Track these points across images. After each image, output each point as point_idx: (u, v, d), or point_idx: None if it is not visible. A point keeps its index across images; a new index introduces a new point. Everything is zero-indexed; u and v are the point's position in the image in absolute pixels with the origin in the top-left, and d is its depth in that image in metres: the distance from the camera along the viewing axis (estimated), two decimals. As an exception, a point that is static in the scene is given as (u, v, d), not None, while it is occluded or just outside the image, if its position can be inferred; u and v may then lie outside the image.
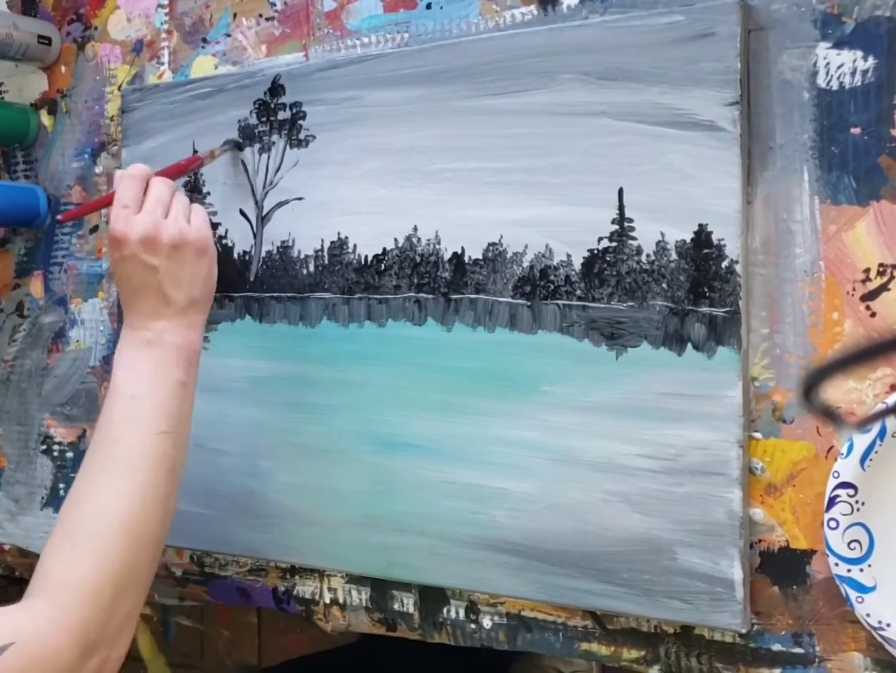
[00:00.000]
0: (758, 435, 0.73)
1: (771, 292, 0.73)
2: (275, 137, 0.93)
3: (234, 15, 0.99)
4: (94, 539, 0.74)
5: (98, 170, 1.07)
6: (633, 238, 0.76)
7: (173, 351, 0.82)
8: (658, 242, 0.75)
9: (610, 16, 0.78)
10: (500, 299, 0.82)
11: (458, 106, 0.83)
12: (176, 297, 0.82)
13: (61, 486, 1.10)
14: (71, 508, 0.77)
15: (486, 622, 0.85)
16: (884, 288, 0.69)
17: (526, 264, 0.80)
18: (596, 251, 0.77)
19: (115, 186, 0.84)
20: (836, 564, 0.69)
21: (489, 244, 0.82)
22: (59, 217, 0.93)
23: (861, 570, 0.68)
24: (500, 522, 0.81)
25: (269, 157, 0.93)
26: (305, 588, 0.95)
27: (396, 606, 0.90)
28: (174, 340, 0.82)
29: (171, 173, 0.91)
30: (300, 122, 0.91)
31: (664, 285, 0.75)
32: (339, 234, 0.89)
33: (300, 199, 0.91)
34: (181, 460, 0.81)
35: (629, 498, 0.76)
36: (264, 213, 0.94)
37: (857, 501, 0.68)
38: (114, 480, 0.77)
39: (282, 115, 0.92)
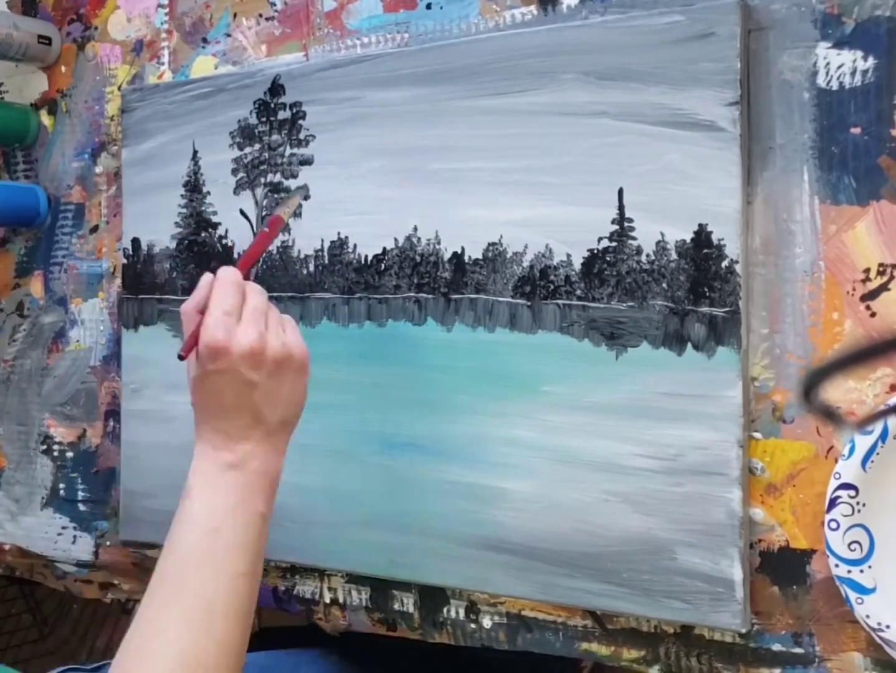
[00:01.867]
0: (758, 435, 0.73)
1: (771, 292, 0.73)
2: (275, 137, 0.93)
3: (234, 15, 0.99)
4: None
5: (98, 170, 1.07)
6: (633, 238, 0.76)
7: (258, 479, 0.73)
8: (658, 242, 0.75)
9: (610, 16, 0.78)
10: (500, 299, 0.82)
11: (458, 106, 0.83)
12: (269, 417, 0.74)
13: (61, 486, 1.10)
14: (135, 655, 0.68)
15: (486, 622, 0.85)
16: (884, 288, 0.69)
17: (526, 264, 0.80)
18: (596, 251, 0.77)
19: (203, 287, 0.75)
20: (837, 565, 0.69)
21: (489, 244, 0.82)
22: (181, 354, 0.76)
23: (861, 571, 0.68)
24: (500, 522, 0.81)
25: (268, 159, 0.93)
26: (306, 588, 0.95)
27: (396, 606, 0.90)
28: (260, 467, 0.73)
29: (264, 246, 0.84)
30: (300, 121, 0.91)
31: (664, 285, 0.75)
32: (339, 234, 0.89)
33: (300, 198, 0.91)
34: (254, 601, 0.73)
35: (629, 498, 0.76)
36: (264, 213, 0.94)
37: (858, 503, 0.68)
38: (187, 626, 0.68)
39: (282, 114, 0.92)
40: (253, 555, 0.72)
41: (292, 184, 0.92)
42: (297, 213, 0.91)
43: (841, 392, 0.70)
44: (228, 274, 0.75)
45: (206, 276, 0.76)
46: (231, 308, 0.72)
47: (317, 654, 1.00)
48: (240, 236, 0.95)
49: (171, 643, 0.67)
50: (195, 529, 0.71)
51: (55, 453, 1.10)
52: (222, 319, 0.72)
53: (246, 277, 0.78)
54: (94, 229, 1.08)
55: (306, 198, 0.91)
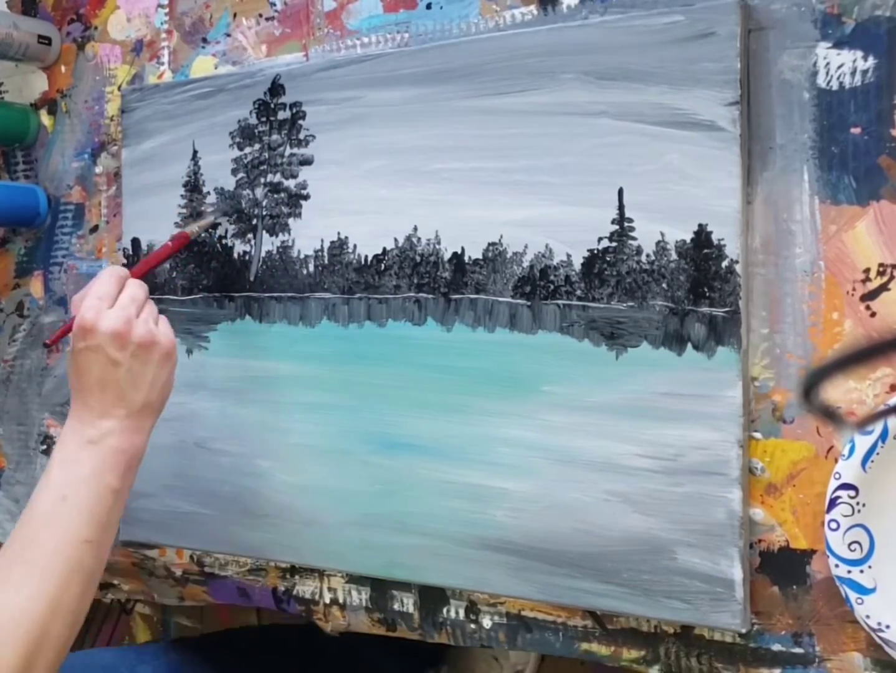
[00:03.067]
0: (758, 435, 0.73)
1: (771, 292, 0.73)
2: (275, 137, 0.93)
3: (234, 15, 0.99)
4: None
5: (98, 170, 1.07)
6: (633, 238, 0.76)
7: (114, 455, 0.79)
8: (658, 242, 0.75)
9: (610, 16, 0.78)
10: (500, 299, 0.82)
11: (458, 106, 0.83)
12: (132, 397, 0.80)
13: (61, 486, 1.10)
14: None
15: (486, 622, 0.85)
16: (884, 288, 0.69)
17: (526, 264, 0.80)
18: (596, 251, 0.77)
19: (93, 280, 0.83)
20: (837, 566, 0.69)
21: (489, 244, 0.82)
22: (45, 342, 0.89)
23: (861, 571, 0.68)
24: (500, 522, 0.81)
25: (268, 159, 0.93)
26: (305, 588, 0.95)
27: (396, 606, 0.90)
28: (118, 444, 0.80)
29: (162, 257, 0.92)
30: (300, 121, 0.91)
31: (664, 285, 0.75)
32: (339, 234, 0.89)
33: (301, 198, 0.91)
34: (99, 569, 0.79)
35: (629, 498, 0.76)
36: (264, 212, 0.94)
37: (858, 503, 0.68)
38: (24, 581, 0.75)
39: (282, 114, 0.92)
40: (99, 525, 0.78)
41: (292, 184, 0.92)
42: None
43: (841, 392, 0.70)
44: (112, 268, 0.84)
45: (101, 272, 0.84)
46: (104, 294, 0.80)
47: (160, 649, 1.03)
48: (240, 236, 0.95)
49: (8, 597, 0.74)
50: (48, 496, 0.78)
51: (55, 453, 1.10)
52: (94, 303, 0.80)
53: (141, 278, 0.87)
54: (94, 229, 1.08)
55: (226, 214, 0.95)
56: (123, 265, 1.01)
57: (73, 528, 0.77)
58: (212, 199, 0.97)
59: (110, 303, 0.80)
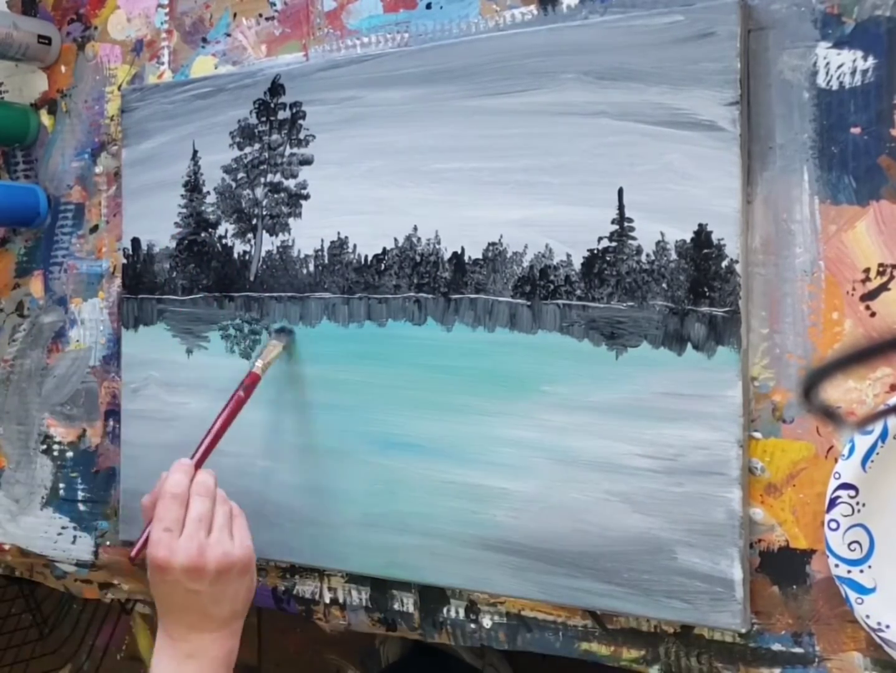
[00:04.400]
0: (758, 435, 0.73)
1: (771, 292, 0.73)
2: (275, 137, 0.93)
3: (234, 15, 0.99)
4: None
5: (98, 170, 1.07)
6: (633, 238, 0.76)
7: (215, 664, 0.80)
8: (658, 242, 0.75)
9: (610, 16, 0.78)
10: (500, 299, 0.82)
11: (458, 106, 0.83)
12: (218, 613, 0.80)
13: (61, 485, 1.10)
14: None
15: (486, 622, 0.85)
16: (884, 288, 0.69)
17: (526, 264, 0.80)
18: (596, 251, 0.77)
19: (160, 482, 0.82)
20: (837, 566, 0.69)
21: (489, 244, 0.82)
22: (131, 555, 0.83)
23: (861, 571, 0.68)
24: (500, 522, 0.81)
25: (268, 159, 0.93)
26: (305, 588, 0.95)
27: (396, 606, 0.90)
28: (216, 654, 0.80)
29: (237, 407, 0.88)
30: (300, 121, 0.91)
31: (664, 285, 0.75)
32: (339, 233, 0.89)
33: (301, 198, 0.91)
34: None
35: (629, 498, 0.76)
36: (264, 212, 0.94)
37: (857, 503, 0.68)
38: None
39: (282, 114, 0.92)
40: None
41: (292, 184, 0.92)
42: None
43: (841, 392, 0.70)
44: (171, 486, 0.80)
45: (164, 474, 0.82)
46: (170, 523, 0.78)
47: None
48: (240, 236, 0.95)
49: None
50: None
51: (55, 453, 1.10)
52: (163, 536, 0.78)
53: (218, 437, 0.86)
54: (94, 229, 1.08)
55: (289, 333, 0.92)
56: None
57: None
58: (212, 198, 0.97)
59: (179, 529, 0.79)
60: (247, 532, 0.82)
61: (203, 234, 0.97)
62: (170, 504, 0.79)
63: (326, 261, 0.90)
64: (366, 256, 0.88)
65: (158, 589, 0.80)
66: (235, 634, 0.82)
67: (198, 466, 0.84)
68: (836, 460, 0.69)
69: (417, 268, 0.85)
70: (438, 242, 0.84)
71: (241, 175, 0.95)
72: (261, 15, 0.97)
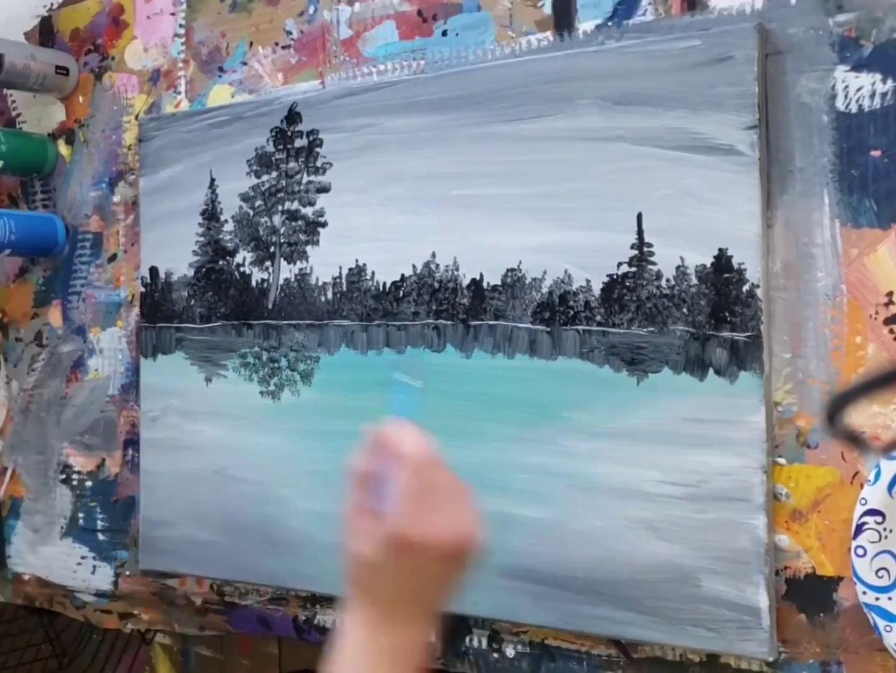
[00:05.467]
0: (782, 460, 0.73)
1: (792, 316, 0.72)
2: (292, 165, 0.93)
3: (251, 43, 0.99)
4: None
5: (116, 199, 1.08)
6: (653, 263, 0.76)
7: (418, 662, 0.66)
8: (678, 267, 0.75)
9: (626, 41, 0.78)
10: (520, 325, 0.81)
11: (475, 132, 0.83)
12: (440, 607, 0.67)
13: (80, 515, 1.10)
14: None
15: (510, 651, 0.84)
16: (907, 311, 0.69)
17: (545, 290, 0.80)
18: (615, 276, 0.77)
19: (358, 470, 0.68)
20: (864, 593, 0.68)
21: (508, 270, 0.82)
22: None
23: (889, 598, 0.67)
24: (521, 549, 0.81)
25: (286, 186, 0.93)
26: (326, 617, 0.94)
27: (418, 635, 0.89)
28: (420, 650, 0.66)
29: None
30: (317, 149, 0.91)
31: (685, 310, 0.75)
32: (357, 261, 0.89)
33: (318, 225, 0.91)
34: None
35: (652, 525, 0.76)
36: (282, 240, 0.94)
37: (884, 529, 0.67)
38: None
39: (299, 142, 0.93)
40: None
41: (310, 211, 0.92)
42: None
43: (866, 417, 0.70)
44: (416, 452, 0.66)
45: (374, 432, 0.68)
46: (420, 494, 0.64)
47: None
48: (258, 264, 0.95)
49: None
50: None
51: (74, 482, 1.10)
52: (414, 507, 0.64)
53: None
54: (112, 258, 1.08)
55: None
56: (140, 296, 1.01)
57: None
58: (230, 226, 0.97)
59: (429, 507, 0.64)
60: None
61: (221, 263, 0.97)
62: (417, 478, 0.64)
63: (345, 288, 0.90)
64: (384, 283, 0.88)
65: (387, 571, 0.64)
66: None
67: None
68: (861, 486, 0.69)
69: (436, 294, 0.85)
70: (457, 269, 0.84)
71: (258, 203, 0.95)
72: (277, 43, 0.98)
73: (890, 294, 0.69)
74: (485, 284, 0.83)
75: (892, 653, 0.67)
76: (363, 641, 0.66)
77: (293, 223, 0.93)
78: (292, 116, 0.93)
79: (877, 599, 0.68)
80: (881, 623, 0.67)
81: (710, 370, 0.74)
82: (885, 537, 0.68)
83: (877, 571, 0.68)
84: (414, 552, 0.63)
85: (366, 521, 0.66)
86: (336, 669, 0.66)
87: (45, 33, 1.15)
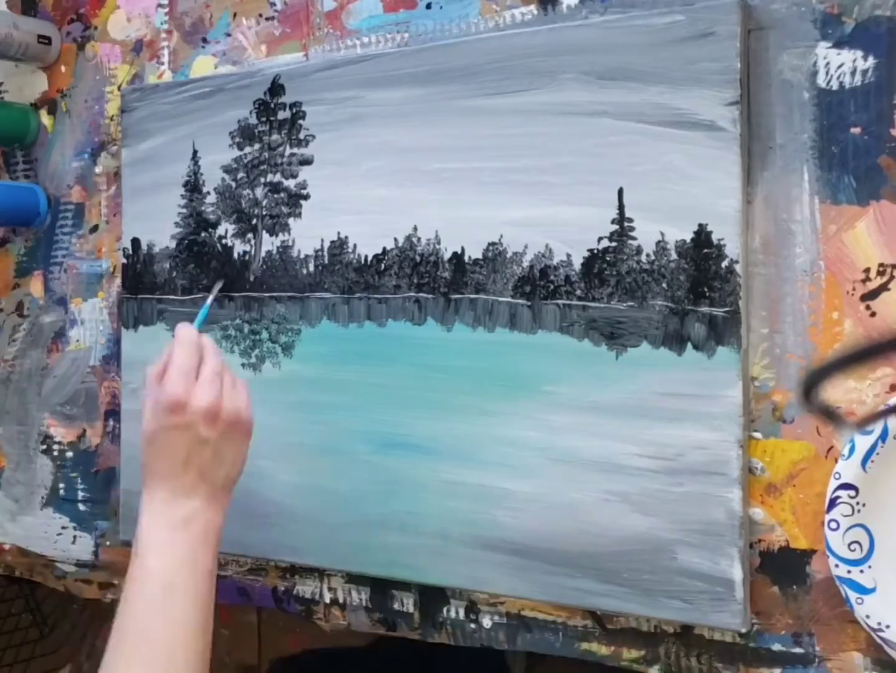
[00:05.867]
0: (758, 435, 0.73)
1: (771, 292, 0.73)
2: (275, 137, 0.93)
3: (234, 15, 0.99)
4: None
5: (98, 170, 1.07)
6: (633, 238, 0.76)
7: (204, 535, 0.76)
8: (658, 242, 0.75)
9: (610, 15, 0.78)
10: (500, 299, 0.82)
11: (458, 106, 0.83)
12: (214, 476, 0.78)
13: (61, 485, 1.10)
14: None
15: (486, 622, 0.85)
16: (884, 288, 0.69)
17: (526, 264, 0.80)
18: (596, 251, 0.77)
19: (167, 352, 0.79)
20: (837, 566, 0.69)
21: (489, 244, 0.82)
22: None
23: (861, 571, 0.68)
24: (500, 521, 0.81)
25: (268, 159, 0.93)
26: (305, 588, 0.95)
27: (396, 606, 0.90)
28: (205, 523, 0.77)
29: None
30: (300, 121, 0.91)
31: (664, 285, 0.75)
32: (339, 233, 0.89)
33: (301, 198, 0.91)
34: (209, 654, 0.75)
35: (629, 498, 0.76)
36: (264, 212, 0.94)
37: (857, 503, 0.68)
38: None
39: (282, 114, 0.92)
40: (206, 610, 0.75)
41: (292, 184, 0.92)
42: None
43: (841, 392, 0.70)
44: (185, 333, 0.79)
45: (167, 348, 0.80)
46: (188, 368, 0.77)
47: None
48: (240, 236, 0.95)
49: None
50: (150, 586, 0.74)
51: (55, 453, 1.10)
52: (180, 378, 0.76)
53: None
54: (94, 229, 1.08)
55: None
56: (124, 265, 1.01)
57: (184, 616, 0.73)
58: (212, 198, 0.96)
59: (195, 376, 0.77)
60: (250, 399, 0.81)
61: (203, 235, 0.97)
62: (187, 351, 0.78)
63: (326, 261, 0.90)
64: (366, 256, 0.88)
65: (164, 436, 0.77)
66: (223, 510, 0.79)
67: None
68: (836, 460, 0.69)
69: (417, 268, 0.85)
70: (438, 242, 0.84)
71: (241, 175, 0.95)
72: (261, 15, 0.97)
73: (867, 271, 0.70)
74: (466, 258, 0.83)
75: (863, 625, 0.68)
76: (155, 516, 0.76)
77: (275, 195, 0.93)
78: (275, 88, 0.93)
79: (849, 572, 0.68)
80: (853, 596, 0.68)
81: (689, 345, 0.74)
82: (858, 511, 0.68)
83: (849, 545, 0.68)
84: (178, 411, 0.75)
85: (151, 402, 0.78)
86: (138, 551, 0.76)
87: (28, 2, 1.14)
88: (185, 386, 0.76)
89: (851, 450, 0.68)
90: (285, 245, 0.92)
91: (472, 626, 0.86)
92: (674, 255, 0.74)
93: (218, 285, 0.95)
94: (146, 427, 0.78)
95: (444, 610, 0.87)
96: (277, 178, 0.93)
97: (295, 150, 0.92)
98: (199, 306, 0.93)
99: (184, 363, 0.77)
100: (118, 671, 0.72)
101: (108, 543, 1.07)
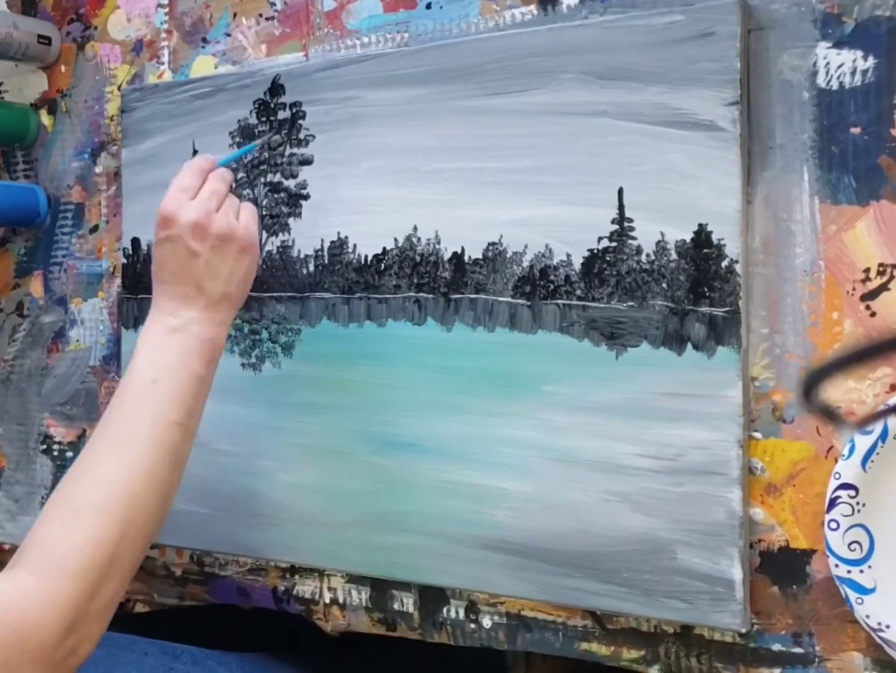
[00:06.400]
0: (758, 435, 0.73)
1: (771, 292, 0.73)
2: (275, 137, 0.93)
3: (234, 14, 0.99)
4: (93, 512, 0.73)
5: (98, 169, 1.07)
6: (633, 238, 0.76)
7: (197, 343, 0.81)
8: (658, 242, 0.75)
9: (610, 15, 0.78)
10: (500, 299, 0.82)
11: (458, 106, 0.83)
12: (211, 289, 0.82)
13: (61, 485, 1.10)
14: (72, 480, 0.76)
15: (486, 622, 0.85)
16: (884, 288, 0.69)
17: (526, 264, 0.80)
18: (596, 251, 0.77)
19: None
20: (837, 566, 0.69)
21: (489, 244, 0.82)
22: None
23: (861, 571, 0.68)
24: (500, 522, 0.81)
25: (268, 159, 0.93)
26: (305, 588, 0.95)
27: (396, 606, 0.90)
28: (200, 333, 0.81)
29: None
30: (300, 121, 0.91)
31: (664, 285, 0.75)
32: (338, 233, 0.89)
33: (301, 198, 0.91)
34: (186, 455, 0.80)
35: (629, 498, 0.76)
36: (264, 212, 0.94)
37: (857, 503, 0.68)
38: (121, 457, 0.76)
39: (282, 114, 0.92)
40: (188, 409, 0.79)
41: (292, 184, 0.92)
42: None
43: (841, 392, 0.70)
44: (198, 159, 0.86)
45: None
46: (187, 186, 0.83)
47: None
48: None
49: (105, 471, 0.75)
50: (136, 381, 0.79)
51: (55, 453, 1.10)
52: (176, 194, 0.82)
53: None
54: (94, 229, 1.08)
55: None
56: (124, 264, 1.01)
57: (164, 410, 0.78)
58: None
59: (192, 195, 0.82)
60: (254, 221, 0.86)
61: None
62: (191, 172, 0.84)
63: (326, 261, 0.90)
64: (366, 256, 0.88)
65: (160, 248, 0.82)
66: (222, 323, 0.83)
67: None
68: (836, 460, 0.69)
69: (417, 268, 0.85)
70: (438, 242, 0.84)
71: (240, 175, 0.95)
72: (261, 15, 0.97)
73: (867, 270, 0.70)
74: (466, 258, 0.83)
75: (863, 625, 0.68)
76: (152, 323, 0.82)
77: (275, 195, 0.93)
78: (275, 88, 0.93)
79: (849, 571, 0.68)
80: (853, 595, 0.68)
81: (689, 345, 0.74)
82: (858, 511, 0.68)
83: (849, 545, 0.68)
84: (168, 223, 0.81)
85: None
86: (134, 352, 0.81)
87: (28, 2, 1.14)
88: (178, 202, 0.82)
89: (851, 450, 0.68)
90: (285, 245, 0.92)
91: (472, 626, 0.86)
92: (674, 255, 0.74)
93: (270, 136, 0.94)
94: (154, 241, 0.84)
95: (444, 610, 0.87)
96: (277, 178, 0.93)
97: (295, 150, 0.92)
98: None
99: (182, 181, 0.83)
100: (94, 451, 0.77)
101: (107, 543, 1.07)
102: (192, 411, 0.80)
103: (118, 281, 1.05)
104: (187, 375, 0.80)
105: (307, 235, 0.91)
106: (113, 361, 1.06)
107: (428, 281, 0.85)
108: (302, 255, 0.91)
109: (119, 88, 1.06)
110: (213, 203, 0.82)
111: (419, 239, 0.85)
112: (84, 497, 0.74)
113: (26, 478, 1.13)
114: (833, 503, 0.69)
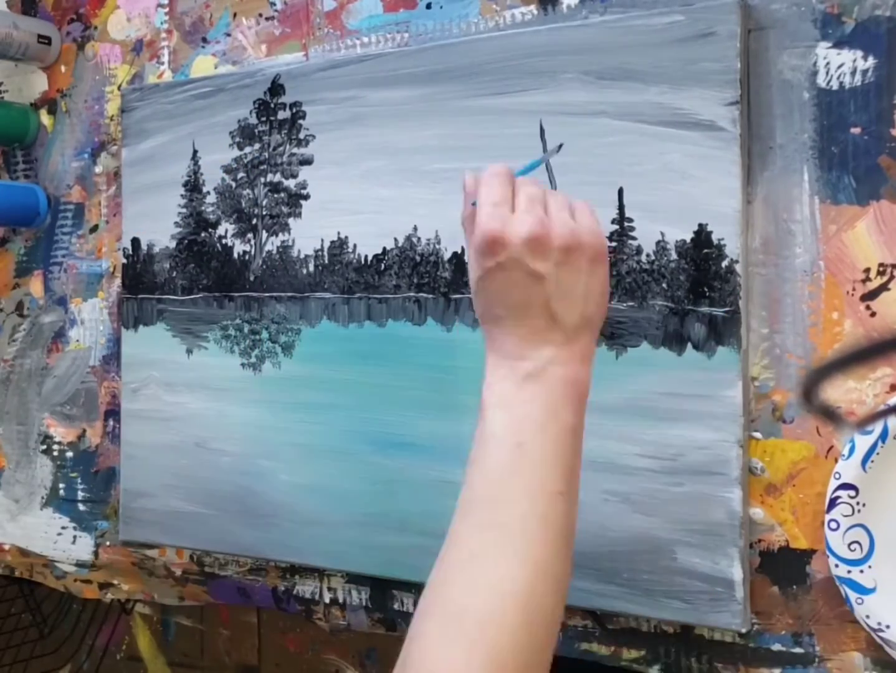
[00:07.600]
0: (758, 435, 0.73)
1: (771, 292, 0.73)
2: (275, 137, 0.93)
3: (234, 14, 0.99)
4: (487, 626, 0.58)
5: (98, 169, 1.07)
6: (633, 238, 0.76)
7: (562, 388, 0.64)
8: (658, 242, 0.75)
9: (610, 15, 0.78)
10: (500, 299, 0.81)
11: (458, 106, 0.83)
12: (565, 315, 0.64)
13: (61, 485, 1.10)
14: (451, 581, 0.62)
15: (486, 622, 0.85)
16: (884, 288, 0.69)
17: (526, 264, 0.80)
18: (596, 251, 0.77)
19: (469, 186, 0.69)
20: (837, 566, 0.69)
21: (489, 244, 0.82)
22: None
23: (861, 571, 0.68)
24: (500, 521, 0.81)
25: (268, 159, 0.93)
26: (305, 588, 0.95)
27: (396, 606, 0.90)
28: (564, 375, 0.64)
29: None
30: (300, 121, 0.91)
31: (664, 285, 0.75)
32: (339, 233, 0.89)
33: (301, 198, 0.91)
34: (573, 526, 0.63)
35: (629, 498, 0.76)
36: (264, 212, 0.94)
37: (857, 503, 0.68)
38: (504, 549, 0.61)
39: (282, 114, 0.92)
40: (566, 472, 0.63)
41: (292, 184, 0.92)
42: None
43: (841, 392, 0.70)
44: (494, 167, 0.67)
45: (468, 177, 0.69)
46: (499, 199, 0.65)
47: None
48: (240, 236, 0.95)
49: (487, 568, 0.61)
50: (498, 447, 0.63)
51: (55, 453, 1.10)
52: (492, 211, 0.64)
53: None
54: (94, 229, 1.08)
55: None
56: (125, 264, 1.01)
57: (540, 479, 0.62)
58: (212, 198, 0.96)
59: (511, 207, 0.65)
60: (596, 220, 0.67)
61: (203, 234, 0.97)
62: (497, 182, 0.66)
63: (326, 261, 0.90)
64: (366, 256, 0.88)
65: (490, 281, 0.65)
66: (586, 358, 0.65)
67: None
68: (836, 460, 0.69)
69: (417, 268, 0.85)
70: (438, 242, 0.84)
71: (241, 175, 0.95)
72: (261, 15, 0.97)
73: (867, 271, 0.70)
74: (466, 258, 0.83)
75: (863, 625, 0.68)
76: (500, 369, 0.66)
77: (276, 195, 0.93)
78: (275, 88, 0.93)
79: (849, 571, 0.68)
80: (853, 595, 0.68)
81: (689, 345, 0.74)
82: (858, 511, 0.68)
83: (849, 545, 0.68)
84: (496, 247, 0.63)
85: (470, 250, 0.67)
86: (483, 413, 0.66)
87: (28, 2, 1.14)
88: (500, 219, 0.64)
89: (851, 450, 0.68)
90: (285, 245, 0.92)
91: (472, 626, 0.86)
92: (674, 255, 0.74)
93: (556, 149, 0.76)
94: (471, 276, 0.67)
95: (444, 610, 0.87)
96: (277, 177, 0.93)
97: (295, 150, 0.92)
98: None
99: (492, 194, 0.65)
100: (469, 538, 0.63)
101: (108, 543, 1.07)
102: (572, 473, 0.64)
103: (118, 281, 1.05)
104: (559, 431, 0.63)
105: (307, 235, 0.91)
106: (113, 360, 1.06)
107: (428, 281, 0.85)
108: (302, 255, 0.91)
109: (119, 88, 1.06)
110: (541, 209, 0.65)
111: (419, 239, 0.85)
112: (472, 605, 0.60)
113: (26, 478, 1.13)
114: (833, 503, 0.69)
